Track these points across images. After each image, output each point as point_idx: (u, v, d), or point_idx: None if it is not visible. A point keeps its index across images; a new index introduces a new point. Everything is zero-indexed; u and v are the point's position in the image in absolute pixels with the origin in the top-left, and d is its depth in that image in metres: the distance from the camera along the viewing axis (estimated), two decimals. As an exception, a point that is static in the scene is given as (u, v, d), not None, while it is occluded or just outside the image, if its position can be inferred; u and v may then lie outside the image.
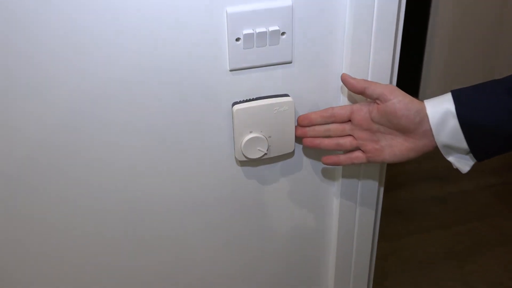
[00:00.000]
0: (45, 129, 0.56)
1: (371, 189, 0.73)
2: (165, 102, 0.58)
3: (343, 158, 0.62)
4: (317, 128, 0.62)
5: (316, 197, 0.73)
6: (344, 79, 0.59)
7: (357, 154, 0.62)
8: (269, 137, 0.62)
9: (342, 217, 0.74)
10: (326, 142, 0.62)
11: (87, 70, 0.54)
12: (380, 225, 0.80)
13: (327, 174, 0.71)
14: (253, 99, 0.61)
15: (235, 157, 0.65)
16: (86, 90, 0.55)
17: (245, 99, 0.61)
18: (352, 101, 0.64)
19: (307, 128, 0.63)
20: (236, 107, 0.59)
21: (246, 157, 0.62)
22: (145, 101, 0.58)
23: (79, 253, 0.65)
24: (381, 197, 0.76)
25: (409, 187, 1.98)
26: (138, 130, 0.59)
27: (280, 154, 0.64)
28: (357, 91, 0.59)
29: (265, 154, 0.63)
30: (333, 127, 0.61)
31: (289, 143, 0.64)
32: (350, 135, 0.61)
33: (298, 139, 0.65)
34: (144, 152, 0.61)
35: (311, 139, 0.63)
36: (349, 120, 0.61)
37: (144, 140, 0.60)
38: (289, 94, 0.62)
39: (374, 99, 0.58)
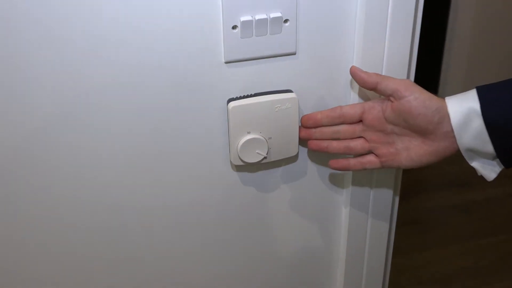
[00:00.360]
0: (21, 133, 0.56)
1: (384, 198, 0.73)
2: (150, 99, 0.58)
3: (353, 162, 0.63)
4: (324, 129, 0.62)
5: (322, 207, 0.73)
6: (354, 73, 0.59)
7: (370, 158, 0.62)
8: (270, 138, 0.62)
9: (352, 229, 0.74)
10: (334, 145, 0.62)
11: (70, 67, 0.54)
12: (395, 238, 0.80)
13: (335, 181, 0.71)
14: (251, 95, 0.61)
15: (230, 162, 0.65)
16: (68, 88, 0.55)
17: (242, 95, 0.61)
18: (365, 98, 0.64)
19: (313, 130, 0.63)
20: (232, 104, 0.59)
21: (243, 161, 0.62)
22: (127, 99, 0.58)
23: (67, 259, 0.66)
24: (396, 207, 0.76)
25: (427, 195, 1.99)
26: (119, 130, 0.59)
27: (281, 158, 0.65)
28: (369, 86, 0.59)
29: (265, 158, 0.63)
30: (342, 128, 0.62)
31: (292, 146, 0.64)
32: (361, 137, 0.62)
33: (303, 141, 0.65)
34: (125, 155, 0.61)
35: (317, 142, 0.63)
36: (360, 121, 0.61)
37: (126, 141, 0.60)
38: (293, 90, 0.62)
39: (387, 96, 0.58)
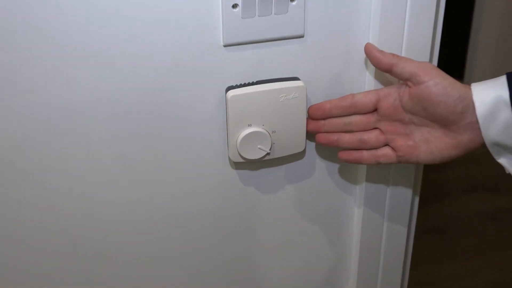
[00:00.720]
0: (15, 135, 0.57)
1: (403, 199, 0.74)
2: (138, 88, 0.59)
3: (366, 155, 0.63)
4: (335, 121, 0.63)
5: (332, 210, 0.74)
6: (369, 51, 0.60)
7: (385, 151, 0.62)
8: (273, 132, 0.63)
9: (365, 235, 0.75)
10: (346, 139, 0.63)
11: (54, 52, 0.55)
12: (413, 247, 0.81)
13: (347, 181, 0.72)
14: (253, 83, 0.61)
15: (229, 158, 0.65)
16: (46, 75, 0.56)
17: (242, 83, 0.61)
18: (383, 85, 0.65)
19: (322, 121, 0.63)
20: (231, 93, 0.60)
21: (243, 157, 0.63)
22: (112, 86, 0.58)
23: (63, 272, 0.67)
24: (416, 210, 0.77)
25: (449, 200, 1.99)
26: (104, 122, 0.60)
27: (287, 154, 0.65)
28: (383, 67, 0.59)
29: (268, 154, 0.63)
30: (354, 119, 0.62)
31: (299, 140, 0.65)
32: (376, 128, 0.62)
33: (310, 135, 0.66)
34: (111, 148, 0.61)
35: (327, 135, 0.64)
36: (375, 110, 0.62)
37: (111, 135, 0.60)
38: (300, 78, 0.63)
39: (404, 81, 0.59)
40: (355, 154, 0.64)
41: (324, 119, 0.63)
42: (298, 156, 0.69)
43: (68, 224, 0.64)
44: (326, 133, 0.64)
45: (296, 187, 0.70)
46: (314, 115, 0.63)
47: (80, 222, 0.64)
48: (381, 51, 0.60)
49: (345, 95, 0.62)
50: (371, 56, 0.60)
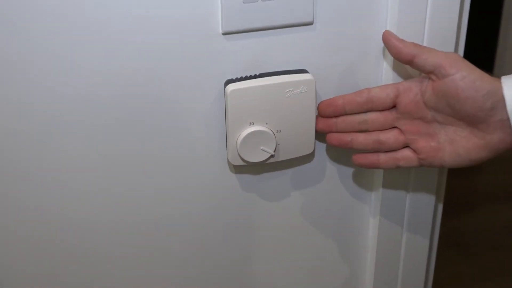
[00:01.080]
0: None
1: (424, 208, 0.74)
2: (128, 80, 0.59)
3: (384, 158, 0.64)
4: (348, 119, 0.63)
5: (344, 220, 0.74)
6: (387, 40, 0.60)
7: (405, 153, 0.63)
8: (278, 131, 0.63)
9: (381, 249, 0.75)
10: (361, 139, 0.63)
11: (42, 48, 0.55)
12: (436, 264, 0.81)
13: (361, 185, 0.73)
14: (255, 76, 0.62)
15: (228, 161, 0.66)
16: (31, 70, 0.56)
17: (244, 76, 0.62)
18: (402, 78, 0.65)
19: (334, 120, 0.64)
20: (231, 87, 0.60)
21: (243, 160, 0.63)
22: (97, 79, 0.58)
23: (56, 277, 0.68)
24: (439, 222, 0.77)
25: (477, 211, 1.98)
26: (88, 119, 0.60)
27: (293, 156, 0.66)
28: (404, 58, 0.60)
29: (272, 156, 0.64)
30: (370, 117, 0.63)
31: (307, 141, 0.65)
32: (394, 127, 0.63)
33: (320, 135, 0.66)
34: (96, 149, 0.62)
35: (339, 135, 0.64)
36: (393, 106, 0.62)
37: (96, 134, 0.61)
38: (308, 70, 0.63)
39: (427, 73, 0.59)
40: (371, 158, 0.64)
41: (336, 116, 0.64)
42: (306, 159, 0.69)
43: (57, 228, 0.65)
44: (338, 133, 0.64)
45: (303, 194, 0.71)
46: (324, 112, 0.64)
47: (71, 225, 0.65)
48: (401, 40, 0.60)
49: (360, 89, 0.63)
50: (390, 45, 0.60)
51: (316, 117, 0.64)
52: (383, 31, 0.61)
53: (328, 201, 0.72)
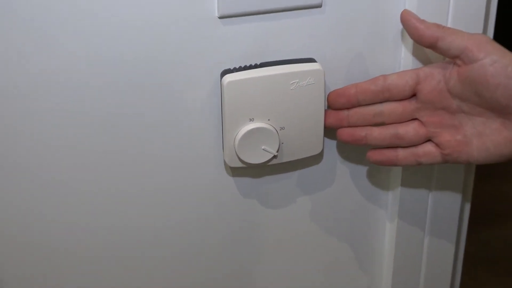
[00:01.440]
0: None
1: (449, 210, 0.74)
2: (114, 71, 0.59)
3: (403, 154, 0.64)
4: (362, 110, 0.63)
5: (357, 226, 0.75)
6: (406, 21, 0.60)
7: (427, 148, 0.63)
8: (282, 129, 0.63)
9: (399, 259, 0.75)
10: (376, 134, 0.64)
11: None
12: (462, 281, 0.81)
13: (376, 186, 0.73)
14: (256, 66, 0.62)
15: (224, 162, 0.66)
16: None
17: (243, 66, 0.62)
18: (422, 64, 0.65)
19: (345, 112, 0.64)
20: (228, 78, 0.60)
21: (242, 162, 0.64)
22: (83, 70, 0.58)
23: None
24: (465, 226, 0.77)
25: (508, 223, 1.94)
26: (71, 115, 0.60)
27: (299, 157, 0.66)
28: (426, 42, 0.60)
29: (275, 157, 0.64)
30: (387, 107, 0.63)
31: (315, 140, 0.65)
32: (415, 119, 0.63)
33: (330, 131, 0.66)
34: (77, 149, 0.62)
35: (352, 130, 0.64)
36: (413, 95, 0.62)
37: (79, 130, 0.61)
38: (316, 59, 0.63)
39: (452, 58, 0.59)
40: (388, 153, 0.64)
41: (348, 108, 0.64)
42: (314, 160, 0.69)
43: (48, 228, 0.65)
44: (350, 127, 0.64)
45: (311, 200, 0.71)
46: (335, 103, 0.64)
47: (58, 228, 0.65)
48: (422, 21, 0.60)
49: (375, 77, 0.63)
50: (410, 27, 0.60)
51: (326, 111, 0.64)
52: (401, 11, 0.61)
53: (339, 206, 0.73)
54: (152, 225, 0.68)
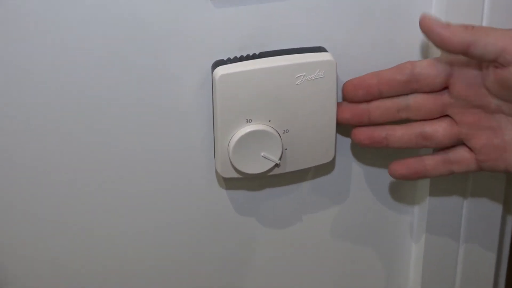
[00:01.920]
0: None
1: (487, 229, 0.75)
2: (92, 63, 0.59)
3: (432, 163, 0.64)
4: (384, 104, 0.63)
5: (377, 247, 0.75)
6: (428, 28, 0.59)
7: (460, 154, 0.63)
8: (285, 132, 0.63)
9: (427, 283, 0.76)
10: (399, 134, 0.64)
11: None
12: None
13: (399, 199, 0.73)
14: (254, 57, 0.62)
15: (216, 172, 0.66)
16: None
17: (238, 56, 0.62)
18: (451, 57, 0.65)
19: (364, 106, 0.64)
20: (221, 70, 0.60)
21: (238, 171, 0.64)
22: (61, 63, 0.59)
23: None
24: (507, 247, 0.78)
25: None
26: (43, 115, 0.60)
27: (306, 166, 0.66)
28: (456, 49, 0.58)
29: (277, 166, 0.64)
30: (415, 100, 0.63)
31: (325, 145, 0.65)
32: (446, 115, 0.63)
33: (343, 130, 0.67)
34: (47, 151, 0.62)
35: (370, 131, 0.64)
36: (445, 88, 0.62)
37: (50, 130, 0.61)
38: (327, 48, 0.63)
39: (489, 62, 0.59)
40: (414, 164, 0.64)
41: (367, 101, 0.63)
42: (324, 168, 0.69)
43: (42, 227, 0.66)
44: (367, 127, 0.64)
45: (321, 217, 0.72)
46: (352, 95, 0.63)
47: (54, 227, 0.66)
48: (447, 26, 0.58)
49: (401, 63, 0.62)
50: (433, 34, 0.58)
51: (339, 105, 0.64)
52: (420, 15, 0.59)
53: (354, 224, 0.73)
54: (137, 245, 0.69)
